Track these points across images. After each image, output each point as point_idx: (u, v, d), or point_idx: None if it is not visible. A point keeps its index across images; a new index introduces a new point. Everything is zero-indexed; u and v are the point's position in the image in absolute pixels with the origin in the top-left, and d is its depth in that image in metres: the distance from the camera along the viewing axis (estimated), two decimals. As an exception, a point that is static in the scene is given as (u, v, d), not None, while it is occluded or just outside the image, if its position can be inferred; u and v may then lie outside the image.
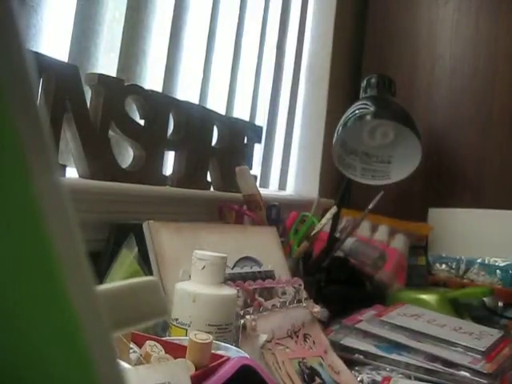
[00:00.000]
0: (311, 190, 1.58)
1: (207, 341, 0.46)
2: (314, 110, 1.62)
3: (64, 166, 0.77)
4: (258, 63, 1.36)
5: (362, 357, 0.81)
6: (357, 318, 0.91)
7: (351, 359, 0.80)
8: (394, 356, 0.80)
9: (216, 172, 1.08)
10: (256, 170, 1.31)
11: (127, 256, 0.71)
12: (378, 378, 0.76)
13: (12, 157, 0.15)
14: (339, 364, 0.73)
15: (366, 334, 0.85)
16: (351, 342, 0.84)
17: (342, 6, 1.65)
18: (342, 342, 0.83)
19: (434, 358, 0.79)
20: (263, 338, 0.62)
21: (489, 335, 0.89)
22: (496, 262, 1.36)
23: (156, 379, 0.39)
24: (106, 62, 0.91)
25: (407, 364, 0.79)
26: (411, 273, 1.33)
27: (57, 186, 0.16)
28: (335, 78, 1.64)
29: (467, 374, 0.76)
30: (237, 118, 1.19)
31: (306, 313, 0.73)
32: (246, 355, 0.51)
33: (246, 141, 1.18)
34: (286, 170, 1.56)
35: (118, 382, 0.18)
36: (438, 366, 0.78)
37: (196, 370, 0.44)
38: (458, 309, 1.08)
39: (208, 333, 0.48)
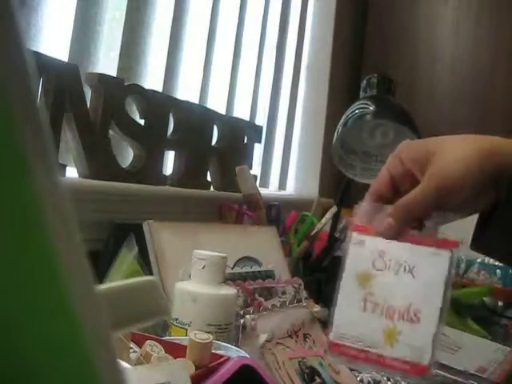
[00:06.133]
0: (311, 190, 1.58)
1: (207, 341, 0.46)
2: (313, 110, 1.62)
3: (64, 166, 0.77)
4: (257, 63, 1.36)
5: None
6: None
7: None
8: None
9: (216, 172, 1.08)
10: (256, 169, 1.31)
11: (127, 256, 0.71)
12: (378, 378, 0.76)
13: (12, 157, 0.15)
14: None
15: None
16: None
17: (342, 6, 1.65)
18: None
19: (440, 365, 0.78)
20: (263, 337, 0.62)
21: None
22: (496, 261, 1.35)
23: (156, 379, 0.39)
24: (106, 62, 0.91)
25: None
26: (411, 273, 1.32)
27: (57, 186, 0.16)
28: (335, 78, 1.64)
29: (474, 382, 0.75)
30: (237, 118, 1.19)
31: (305, 312, 0.73)
32: (246, 355, 0.51)
33: (245, 140, 1.18)
34: (285, 169, 1.56)
35: (118, 382, 0.18)
36: (443, 374, 0.76)
37: (196, 369, 0.44)
38: (458, 309, 1.08)
39: (208, 333, 0.48)
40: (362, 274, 0.54)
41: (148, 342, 0.47)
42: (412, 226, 0.53)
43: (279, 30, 1.46)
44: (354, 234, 0.55)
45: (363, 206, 0.55)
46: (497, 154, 0.51)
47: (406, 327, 0.51)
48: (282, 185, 1.55)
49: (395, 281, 0.53)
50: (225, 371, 0.44)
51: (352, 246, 0.55)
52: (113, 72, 0.91)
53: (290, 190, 1.58)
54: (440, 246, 0.53)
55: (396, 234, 0.52)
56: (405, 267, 0.53)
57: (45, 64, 0.73)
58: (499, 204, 0.52)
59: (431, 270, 0.53)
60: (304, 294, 0.78)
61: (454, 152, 0.52)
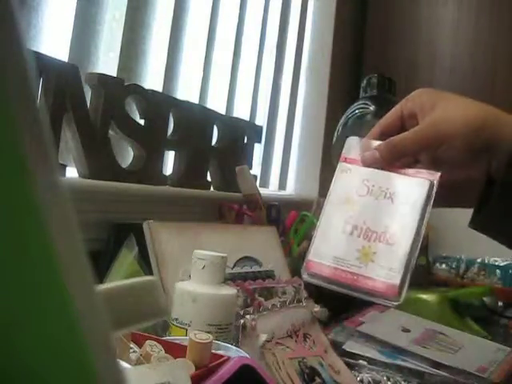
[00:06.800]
0: (311, 190, 1.58)
1: (207, 341, 0.46)
2: (313, 110, 1.62)
3: (64, 166, 0.77)
4: (258, 63, 1.36)
5: (365, 363, 0.80)
6: (358, 320, 0.91)
7: (353, 364, 0.79)
8: (399, 362, 0.79)
9: (216, 172, 1.08)
10: (256, 169, 1.31)
11: (127, 256, 0.71)
12: (378, 378, 0.76)
13: (12, 157, 0.15)
14: (339, 364, 0.73)
15: (369, 338, 0.84)
16: (354, 346, 0.82)
17: (342, 6, 1.65)
18: (344, 347, 0.82)
19: (440, 365, 0.78)
20: (263, 337, 0.62)
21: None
22: (496, 261, 1.36)
23: (156, 379, 0.39)
24: (106, 62, 0.91)
25: (410, 370, 0.77)
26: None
27: (57, 185, 0.16)
28: (335, 78, 1.64)
29: (474, 382, 0.74)
30: (237, 118, 1.19)
31: (305, 312, 0.73)
32: (246, 355, 0.51)
33: (245, 140, 1.18)
34: (286, 169, 1.56)
35: (117, 382, 0.18)
36: (443, 374, 0.76)
37: (196, 369, 0.44)
38: (458, 309, 1.08)
39: (208, 333, 0.48)
40: (345, 198, 0.56)
41: (148, 342, 0.47)
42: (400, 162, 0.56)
43: (279, 30, 1.46)
44: (342, 163, 0.58)
45: (367, 138, 0.58)
46: (489, 127, 0.54)
47: (381, 248, 0.53)
48: (282, 185, 1.55)
49: (375, 205, 0.55)
50: (225, 371, 0.44)
51: (339, 173, 0.58)
52: (113, 72, 0.91)
53: (290, 189, 1.58)
54: (422, 175, 0.56)
55: (379, 166, 0.56)
56: (386, 193, 0.55)
57: (45, 64, 0.73)
58: (496, 182, 0.54)
59: (410, 196, 0.55)
60: (304, 293, 0.78)
61: (455, 111, 0.55)
